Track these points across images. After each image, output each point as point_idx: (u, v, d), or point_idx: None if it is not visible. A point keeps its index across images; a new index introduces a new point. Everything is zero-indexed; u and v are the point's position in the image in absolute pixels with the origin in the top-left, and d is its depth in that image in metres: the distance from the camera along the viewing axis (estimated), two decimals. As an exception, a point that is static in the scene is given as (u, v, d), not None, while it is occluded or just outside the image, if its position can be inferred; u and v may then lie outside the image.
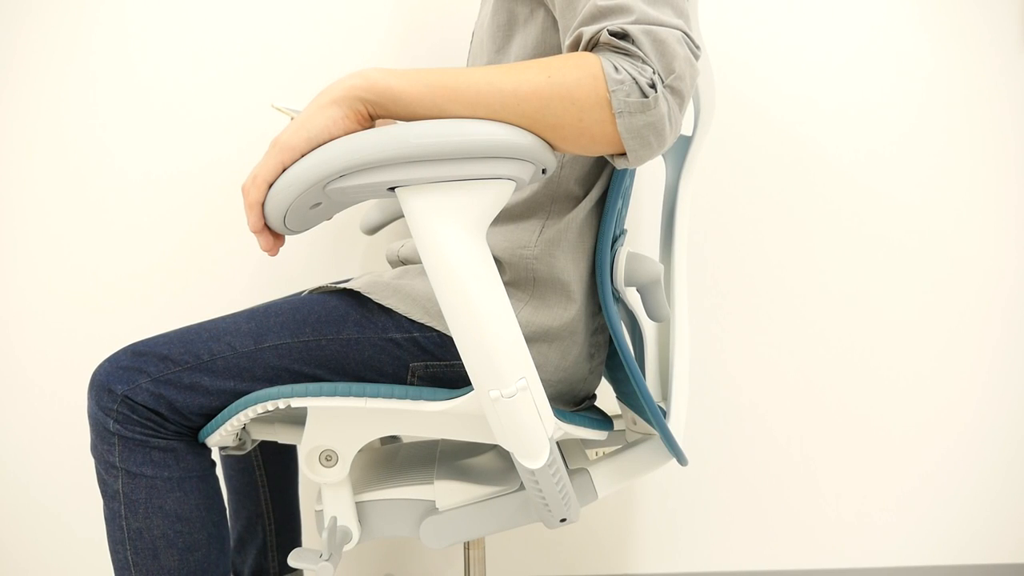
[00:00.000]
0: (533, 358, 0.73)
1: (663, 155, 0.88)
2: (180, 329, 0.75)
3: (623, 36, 0.56)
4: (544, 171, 0.62)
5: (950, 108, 1.25)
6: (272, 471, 0.99)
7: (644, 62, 0.56)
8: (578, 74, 0.56)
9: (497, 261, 0.74)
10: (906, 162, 1.25)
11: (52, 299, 1.25)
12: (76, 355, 1.26)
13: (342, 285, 0.77)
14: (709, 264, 1.26)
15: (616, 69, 0.55)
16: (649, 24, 0.56)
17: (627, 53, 0.56)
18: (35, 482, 1.28)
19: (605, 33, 0.57)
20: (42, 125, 1.23)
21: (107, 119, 1.23)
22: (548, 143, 0.59)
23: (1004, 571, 1.30)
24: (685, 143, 0.84)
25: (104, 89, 1.23)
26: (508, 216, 0.75)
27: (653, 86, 0.55)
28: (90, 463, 1.28)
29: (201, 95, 1.23)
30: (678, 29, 0.57)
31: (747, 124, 1.25)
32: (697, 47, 0.59)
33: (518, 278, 0.73)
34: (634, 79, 0.55)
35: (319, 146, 0.57)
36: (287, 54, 1.23)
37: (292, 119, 0.88)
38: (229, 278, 1.25)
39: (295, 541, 1.03)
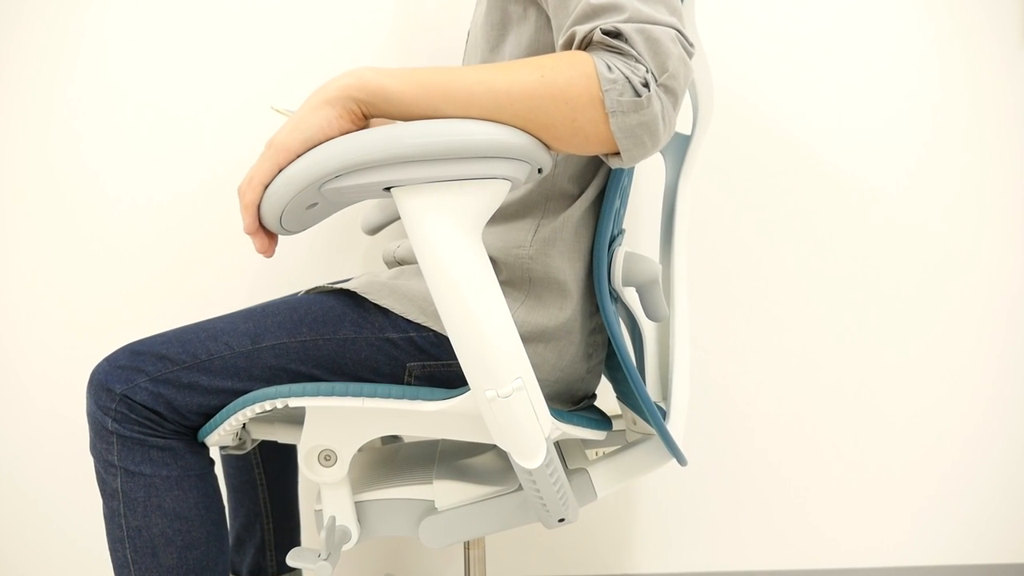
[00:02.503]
0: (529, 358, 0.73)
1: (662, 154, 0.87)
2: (178, 329, 0.75)
3: (616, 35, 0.56)
4: (540, 170, 0.61)
5: (949, 107, 1.24)
6: (271, 470, 0.99)
7: (637, 61, 0.55)
8: (571, 73, 0.55)
9: (492, 261, 0.74)
10: (906, 160, 1.25)
11: (50, 301, 1.26)
12: (75, 357, 1.26)
13: (339, 285, 0.77)
14: (709, 263, 1.26)
15: (609, 68, 0.55)
16: (643, 22, 0.56)
17: (620, 52, 0.56)
18: (33, 487, 1.28)
19: (598, 32, 0.56)
20: (34, 125, 1.23)
21: (104, 119, 1.24)
22: (542, 142, 0.59)
23: (1005, 571, 1.30)
24: (684, 142, 0.83)
25: (105, 87, 1.23)
26: (502, 216, 0.75)
27: (646, 85, 0.55)
28: (88, 469, 1.28)
29: (199, 95, 1.23)
30: (672, 27, 0.57)
31: (747, 121, 1.24)
32: (691, 45, 0.59)
33: (513, 278, 0.73)
34: (627, 78, 0.54)
35: (314, 147, 0.57)
36: (283, 56, 1.23)
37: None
38: (229, 278, 1.26)
39: (294, 540, 1.03)
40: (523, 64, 0.57)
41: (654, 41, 0.55)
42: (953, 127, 1.24)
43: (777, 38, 1.23)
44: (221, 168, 1.24)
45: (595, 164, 0.75)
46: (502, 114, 0.57)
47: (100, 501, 1.28)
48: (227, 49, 1.23)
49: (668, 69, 0.55)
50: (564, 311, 0.73)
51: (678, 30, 0.57)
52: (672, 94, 0.56)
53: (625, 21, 0.56)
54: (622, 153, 0.57)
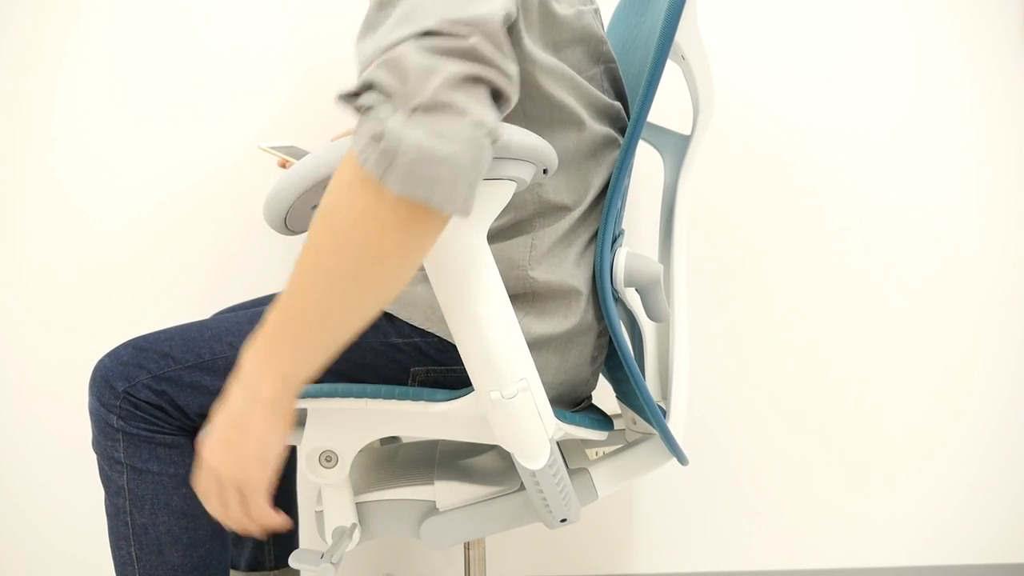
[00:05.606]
0: (534, 362, 0.72)
1: (661, 155, 0.86)
2: (182, 326, 0.75)
3: (358, 94, 0.49)
4: (545, 171, 0.61)
5: (949, 108, 1.24)
6: None
7: (387, 101, 0.47)
8: (339, 192, 0.49)
9: None
10: (903, 162, 1.25)
11: (50, 298, 1.25)
12: (75, 355, 1.26)
13: None
14: (708, 264, 1.26)
15: (358, 139, 0.47)
16: (384, 54, 0.48)
17: (364, 110, 0.48)
18: (34, 486, 1.28)
19: (355, 110, 0.50)
20: (37, 122, 1.23)
21: (105, 117, 1.23)
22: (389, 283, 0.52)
23: (1005, 571, 1.30)
24: (684, 142, 0.82)
25: (104, 85, 1.23)
26: (498, 235, 0.72)
27: (387, 121, 0.47)
28: (86, 468, 1.28)
29: (202, 93, 1.23)
30: (403, 41, 0.48)
31: (747, 123, 1.25)
32: (468, 24, 0.48)
33: (515, 294, 0.71)
34: (372, 130, 0.47)
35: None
36: (285, 55, 1.23)
37: (280, 161, 0.87)
38: (231, 279, 1.26)
39: (292, 535, 1.03)
40: (314, 234, 0.51)
41: (396, 68, 0.47)
42: (954, 128, 1.25)
43: (777, 38, 1.24)
44: (223, 166, 1.24)
45: (588, 176, 0.72)
46: (350, 300, 0.51)
47: (96, 501, 1.27)
48: (229, 47, 1.23)
49: (418, 92, 0.46)
50: (569, 319, 0.72)
51: (414, 34, 0.48)
52: (439, 109, 0.46)
53: (369, 67, 0.49)
54: (439, 206, 0.47)
